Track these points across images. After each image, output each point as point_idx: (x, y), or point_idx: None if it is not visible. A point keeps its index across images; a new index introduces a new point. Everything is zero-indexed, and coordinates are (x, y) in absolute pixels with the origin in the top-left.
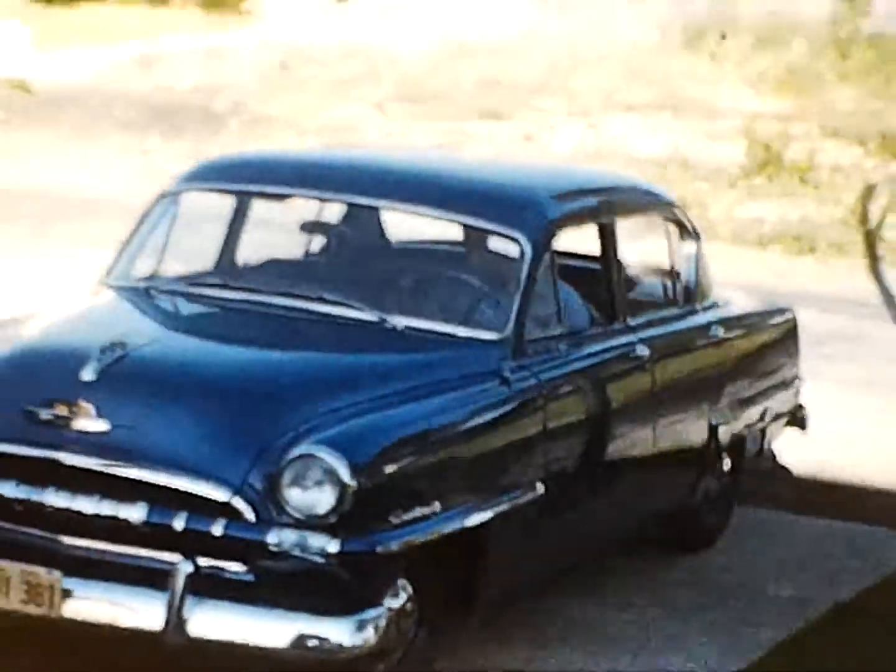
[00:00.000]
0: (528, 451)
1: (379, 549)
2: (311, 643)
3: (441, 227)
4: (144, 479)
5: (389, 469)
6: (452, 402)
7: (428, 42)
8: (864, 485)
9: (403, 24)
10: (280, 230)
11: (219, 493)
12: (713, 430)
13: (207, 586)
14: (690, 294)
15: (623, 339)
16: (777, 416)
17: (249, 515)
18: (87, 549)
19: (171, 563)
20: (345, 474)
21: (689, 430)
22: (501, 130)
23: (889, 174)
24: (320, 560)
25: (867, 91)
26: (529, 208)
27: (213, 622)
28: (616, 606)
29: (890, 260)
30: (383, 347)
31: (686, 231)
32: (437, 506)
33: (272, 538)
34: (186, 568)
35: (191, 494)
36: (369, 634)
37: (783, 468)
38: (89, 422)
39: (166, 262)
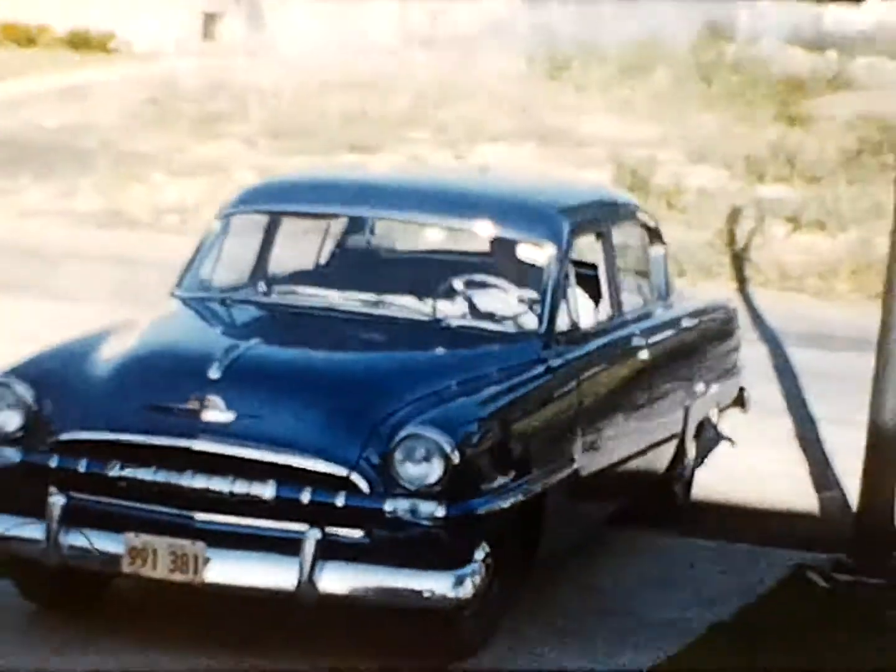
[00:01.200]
0: (568, 424)
1: (475, 512)
2: (422, 595)
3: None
4: (272, 461)
5: (478, 444)
6: (512, 386)
7: (295, 77)
8: (744, 505)
9: (271, 60)
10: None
11: (338, 470)
12: (687, 409)
13: (332, 550)
14: (662, 290)
15: (624, 331)
16: (729, 397)
17: (365, 488)
18: (224, 523)
19: (301, 532)
20: (449, 449)
21: (673, 408)
22: (371, 163)
23: (754, 197)
24: (428, 524)
25: (731, 116)
26: (553, 221)
27: (338, 581)
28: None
29: (758, 281)
30: (446, 343)
31: (656, 235)
32: (512, 475)
33: (388, 506)
34: (315, 535)
35: (313, 472)
36: (467, 586)
37: (731, 441)
38: (219, 413)
39: (224, 276)
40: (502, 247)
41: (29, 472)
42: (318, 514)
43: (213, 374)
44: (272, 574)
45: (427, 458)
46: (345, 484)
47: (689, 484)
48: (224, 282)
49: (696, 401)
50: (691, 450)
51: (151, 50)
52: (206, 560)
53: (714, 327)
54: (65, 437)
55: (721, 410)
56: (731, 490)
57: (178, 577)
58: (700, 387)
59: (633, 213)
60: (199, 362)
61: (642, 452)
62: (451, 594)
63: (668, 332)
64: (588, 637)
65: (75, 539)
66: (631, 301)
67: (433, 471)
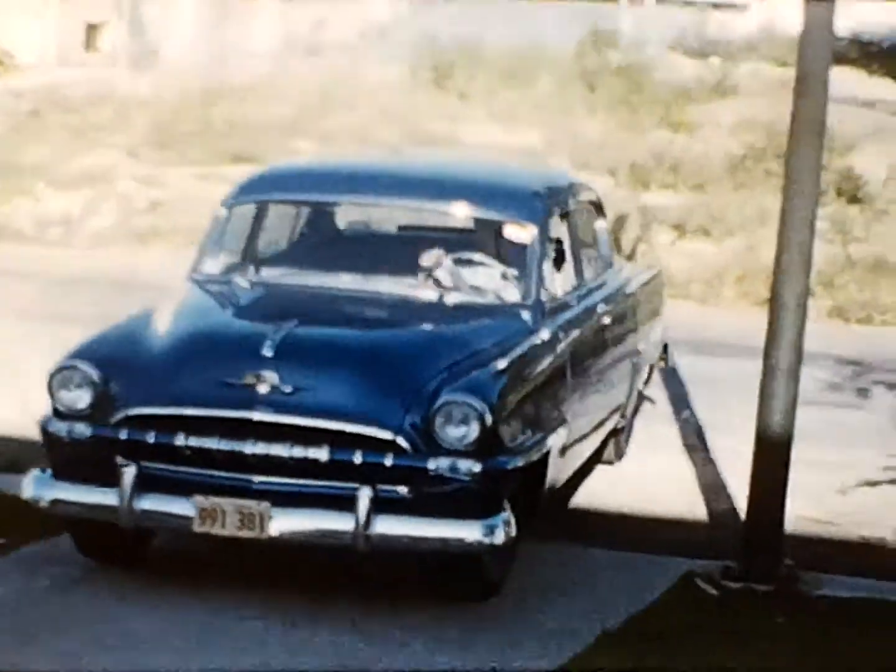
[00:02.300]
0: (561, 386)
1: (506, 468)
2: (462, 541)
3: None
4: (325, 427)
5: (504, 407)
6: (518, 354)
7: (178, 87)
8: (634, 513)
9: (153, 69)
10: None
11: (385, 434)
12: (635, 365)
13: (382, 504)
14: (608, 259)
15: (589, 300)
16: (657, 353)
17: (409, 449)
18: (284, 484)
19: (354, 489)
20: (485, 412)
21: (626, 365)
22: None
23: (639, 204)
24: (466, 479)
25: (615, 122)
26: (533, 202)
27: (388, 530)
28: (384, 642)
29: None
30: (455, 317)
31: (600, 210)
32: (529, 434)
33: (430, 465)
34: (367, 492)
35: (363, 436)
36: (500, 533)
37: (651, 400)
38: (274, 386)
39: (233, 260)
40: (489, 228)
41: (98, 444)
42: (369, 473)
43: (267, 351)
44: (331, 526)
45: (465, 421)
46: (391, 446)
47: (628, 434)
48: (231, 265)
49: (641, 357)
50: (632, 403)
51: (34, 61)
52: (270, 517)
53: (648, 290)
54: (133, 412)
55: (650, 367)
56: (620, 498)
57: (245, 533)
58: (643, 344)
59: (585, 191)
60: (250, 341)
61: (608, 407)
62: (487, 540)
63: (620, 298)
64: (474, 644)
65: (147, 503)
66: (587, 271)
67: (471, 432)
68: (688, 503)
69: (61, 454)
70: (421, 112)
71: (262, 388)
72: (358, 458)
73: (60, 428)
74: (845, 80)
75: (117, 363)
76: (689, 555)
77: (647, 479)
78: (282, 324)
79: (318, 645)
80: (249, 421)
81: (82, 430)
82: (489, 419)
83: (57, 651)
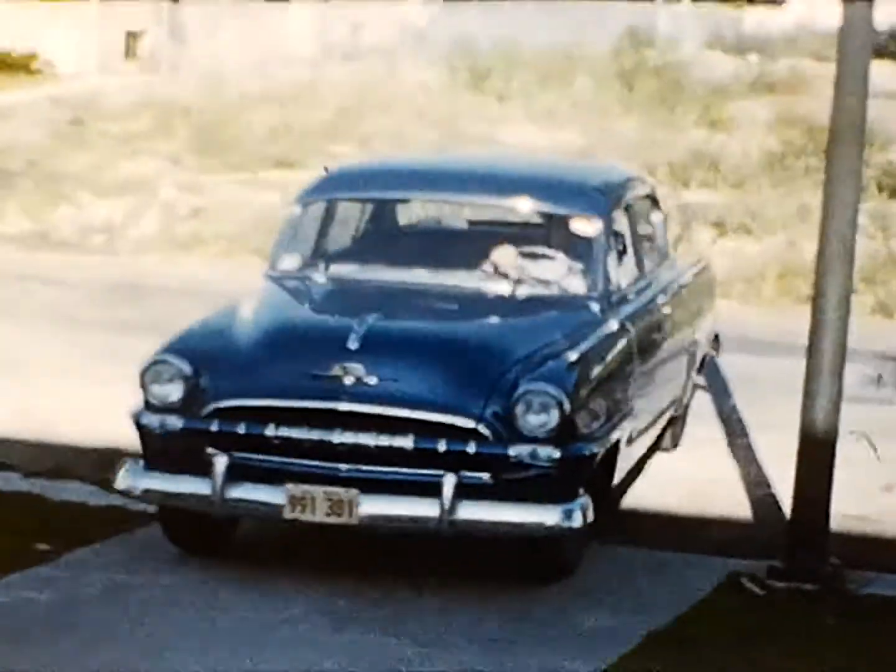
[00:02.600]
0: (628, 375)
1: (583, 454)
2: (542, 525)
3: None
4: (410, 417)
5: (580, 395)
6: (590, 344)
7: (218, 93)
8: (678, 512)
9: (194, 76)
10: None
11: (467, 423)
12: (692, 354)
13: (465, 491)
14: (664, 251)
15: (649, 291)
16: (710, 342)
17: (490, 437)
18: (370, 471)
19: (439, 476)
20: (564, 400)
21: (687, 348)
22: (296, 177)
23: (679, 203)
24: (546, 465)
25: (653, 121)
26: (598, 197)
27: (472, 515)
28: (427, 643)
29: None
30: (527, 309)
31: (656, 203)
32: (602, 421)
33: (512, 452)
34: (451, 479)
35: (446, 425)
36: (578, 517)
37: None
38: (360, 378)
39: (307, 257)
40: (555, 222)
41: (190, 436)
42: (452, 461)
43: (352, 344)
44: (417, 511)
45: (544, 409)
46: (473, 434)
47: (683, 423)
48: (306, 262)
49: (696, 347)
50: (688, 393)
51: (74, 69)
52: (358, 504)
53: (701, 281)
54: (224, 404)
55: (704, 356)
56: (664, 497)
57: (334, 519)
58: (697, 334)
59: (641, 185)
60: (336, 335)
61: (668, 396)
62: (566, 524)
63: (676, 289)
64: (523, 645)
65: (238, 492)
66: (646, 262)
67: (550, 420)
68: (732, 502)
69: (153, 445)
70: (459, 114)
71: (349, 380)
72: (442, 447)
73: (153, 420)
74: (884, 75)
75: (207, 357)
76: (734, 554)
77: (691, 477)
78: (364, 318)
79: (366, 644)
80: (337, 411)
81: (174, 422)
82: (567, 407)
83: (111, 656)
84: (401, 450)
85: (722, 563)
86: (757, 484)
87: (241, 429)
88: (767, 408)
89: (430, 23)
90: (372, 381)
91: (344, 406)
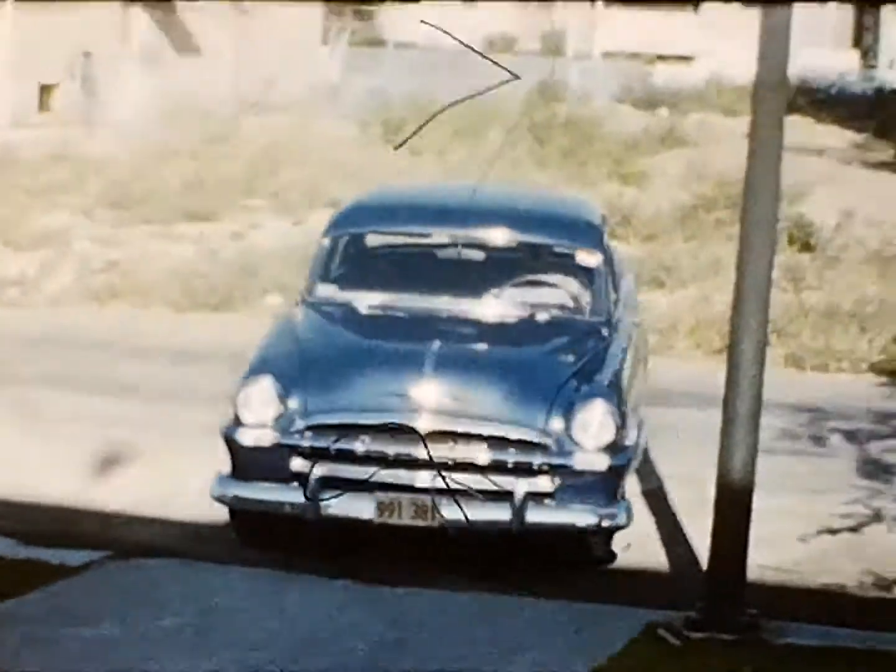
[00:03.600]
0: (636, 388)
1: (627, 463)
2: (598, 525)
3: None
4: (482, 433)
5: (623, 410)
6: (610, 361)
7: (132, 146)
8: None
9: (107, 129)
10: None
11: (533, 436)
12: (647, 371)
13: (533, 495)
14: (623, 277)
15: (628, 317)
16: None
17: (554, 448)
18: (450, 480)
19: (510, 483)
20: (616, 416)
21: (644, 370)
22: (210, 230)
23: None
24: (600, 472)
25: (565, 175)
26: (598, 233)
27: (540, 519)
28: None
29: None
30: (559, 332)
31: (612, 237)
32: (632, 434)
33: (573, 462)
34: (523, 486)
35: (513, 439)
36: (625, 516)
37: None
38: (436, 398)
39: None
40: (562, 254)
41: (281, 450)
42: (520, 470)
43: (428, 368)
44: (491, 516)
45: (603, 425)
46: (539, 447)
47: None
48: (340, 289)
49: (649, 367)
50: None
51: None
52: (440, 509)
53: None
54: (315, 422)
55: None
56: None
57: (419, 522)
58: (649, 364)
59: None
60: (410, 359)
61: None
62: (616, 522)
63: (634, 311)
64: None
65: (333, 503)
66: (618, 289)
67: (606, 434)
68: (648, 553)
69: (243, 458)
70: (372, 168)
71: (427, 400)
72: (512, 458)
73: (244, 435)
74: (794, 128)
75: (295, 380)
76: (651, 605)
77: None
78: (431, 343)
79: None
80: (414, 429)
81: (267, 437)
82: (619, 422)
83: None
84: (474, 461)
85: (639, 613)
86: (673, 535)
87: (332, 444)
88: (682, 459)
89: (344, 78)
90: (447, 400)
91: (425, 423)
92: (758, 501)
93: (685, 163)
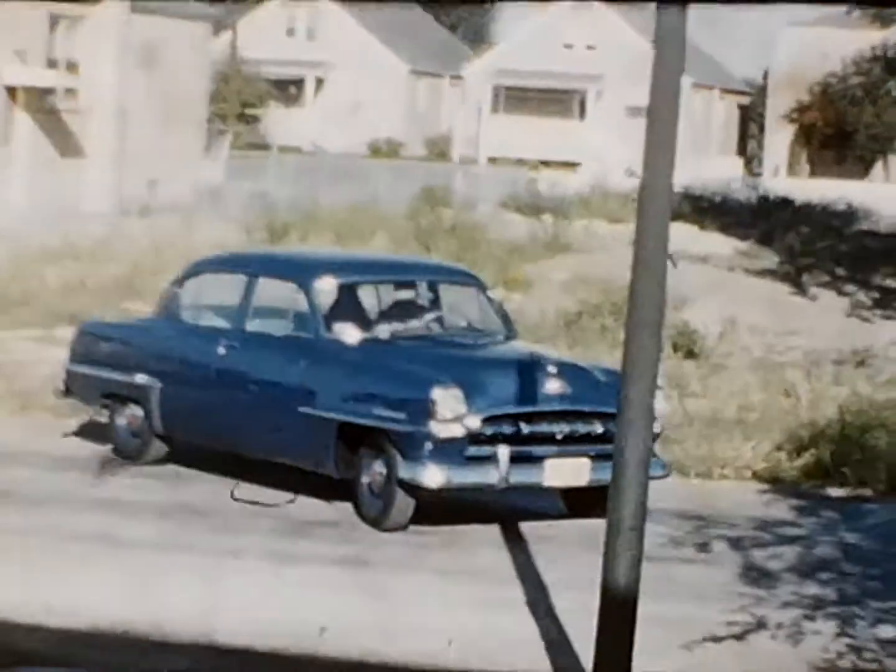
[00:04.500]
0: None
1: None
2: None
3: None
4: (588, 411)
5: None
6: None
7: (12, 249)
8: None
9: None
10: None
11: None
12: None
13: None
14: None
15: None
16: None
17: None
18: (586, 449)
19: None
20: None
21: None
22: None
23: None
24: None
25: None
26: (475, 276)
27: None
28: None
29: None
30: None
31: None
32: None
33: None
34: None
35: (605, 414)
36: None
37: None
38: (563, 389)
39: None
40: (468, 289)
41: (470, 437)
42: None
43: (551, 369)
44: (579, 474)
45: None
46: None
47: None
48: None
49: None
50: None
51: None
52: (590, 470)
53: None
54: (488, 413)
55: None
56: (460, 657)
57: (574, 481)
58: None
59: None
60: (536, 366)
61: None
62: (667, 472)
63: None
64: None
65: (514, 473)
66: None
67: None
68: (531, 661)
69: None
70: None
71: (553, 391)
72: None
73: (442, 429)
74: (678, 235)
75: (467, 386)
76: None
77: (489, 637)
78: (537, 353)
79: None
80: (556, 411)
81: (458, 429)
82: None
83: None
84: (590, 434)
85: None
86: (557, 642)
87: (507, 429)
88: (565, 566)
89: (228, 181)
90: (569, 390)
91: (560, 407)
92: (642, 608)
93: (570, 269)
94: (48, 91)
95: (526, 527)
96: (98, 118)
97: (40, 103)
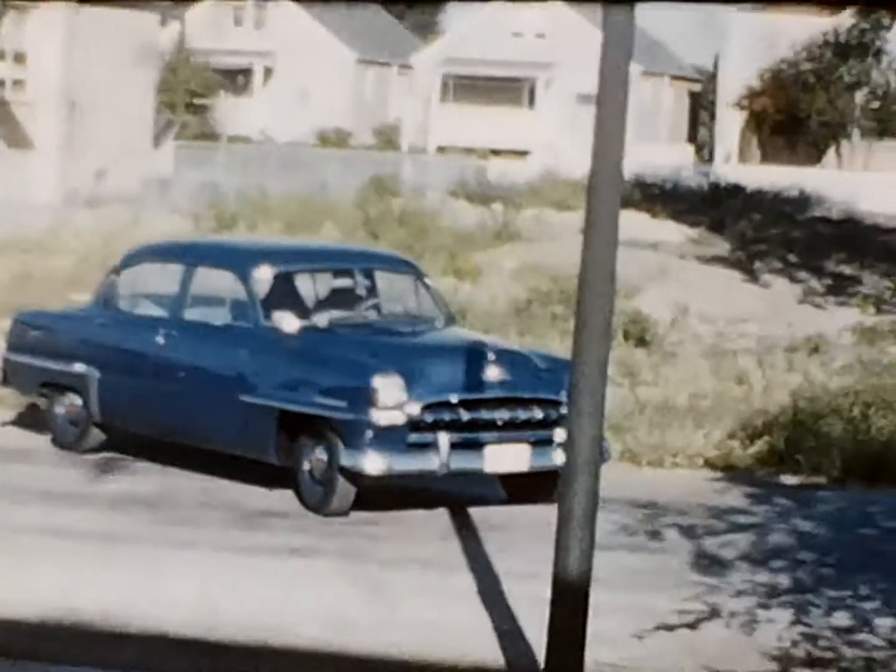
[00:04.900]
0: None
1: None
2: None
3: None
4: (528, 397)
5: None
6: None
7: None
8: (422, 660)
9: None
10: None
11: (558, 398)
12: None
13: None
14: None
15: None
16: None
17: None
18: (524, 435)
19: (551, 432)
20: None
21: None
22: None
23: None
24: None
25: None
26: (412, 263)
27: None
28: None
29: None
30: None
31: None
32: None
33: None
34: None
35: (548, 400)
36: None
37: None
38: (499, 378)
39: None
40: (398, 278)
41: (410, 424)
42: (550, 423)
43: (491, 356)
44: (549, 461)
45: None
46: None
47: None
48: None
49: None
50: None
51: None
52: (529, 455)
53: None
54: (428, 401)
55: None
56: (413, 647)
57: (515, 468)
58: None
59: None
60: (474, 353)
61: None
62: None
63: None
64: None
65: (455, 460)
66: None
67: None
68: (484, 651)
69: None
70: None
71: (492, 378)
72: (553, 414)
73: (383, 417)
74: (629, 223)
75: (407, 374)
76: None
77: (441, 627)
78: (474, 339)
79: None
80: (496, 398)
81: (399, 416)
82: None
83: None
84: (529, 420)
85: None
86: (510, 632)
87: (446, 416)
88: (518, 556)
89: (175, 171)
90: (507, 377)
91: (502, 394)
92: (595, 597)
93: (520, 257)
94: None
95: (476, 516)
96: (46, 109)
97: None
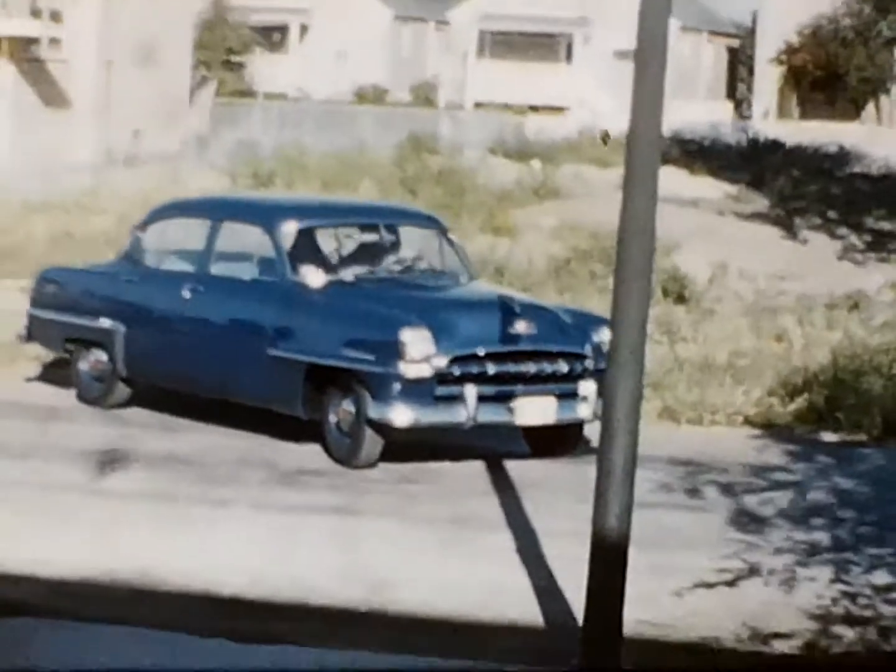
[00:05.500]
0: None
1: None
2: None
3: None
4: (554, 351)
5: None
6: None
7: None
8: (469, 620)
9: None
10: None
11: (583, 352)
12: None
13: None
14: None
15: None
16: None
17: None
18: (551, 388)
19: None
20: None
21: None
22: None
23: None
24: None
25: None
26: (432, 217)
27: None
28: None
29: None
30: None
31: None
32: None
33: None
34: (590, 386)
35: (575, 354)
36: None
37: None
38: (526, 332)
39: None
40: (432, 232)
41: (438, 377)
42: (578, 376)
43: (517, 310)
44: (574, 414)
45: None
46: (584, 358)
47: None
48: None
49: None
50: None
51: None
52: (555, 408)
53: None
54: (456, 353)
55: None
56: (452, 606)
57: (542, 420)
58: None
59: None
60: (501, 307)
61: None
62: None
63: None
64: None
65: (482, 412)
66: None
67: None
68: (523, 609)
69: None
70: None
71: (522, 331)
72: (578, 368)
73: (411, 370)
74: (668, 179)
75: (435, 327)
76: (526, 662)
77: (482, 584)
78: (496, 294)
79: None
80: (523, 351)
81: (427, 370)
82: None
83: None
84: (555, 373)
85: (514, 671)
86: (548, 590)
87: (474, 369)
88: (555, 514)
89: (213, 128)
90: (535, 331)
91: (529, 347)
92: (633, 556)
93: (558, 215)
94: (32, 41)
95: (514, 474)
96: (82, 68)
97: (24, 53)
